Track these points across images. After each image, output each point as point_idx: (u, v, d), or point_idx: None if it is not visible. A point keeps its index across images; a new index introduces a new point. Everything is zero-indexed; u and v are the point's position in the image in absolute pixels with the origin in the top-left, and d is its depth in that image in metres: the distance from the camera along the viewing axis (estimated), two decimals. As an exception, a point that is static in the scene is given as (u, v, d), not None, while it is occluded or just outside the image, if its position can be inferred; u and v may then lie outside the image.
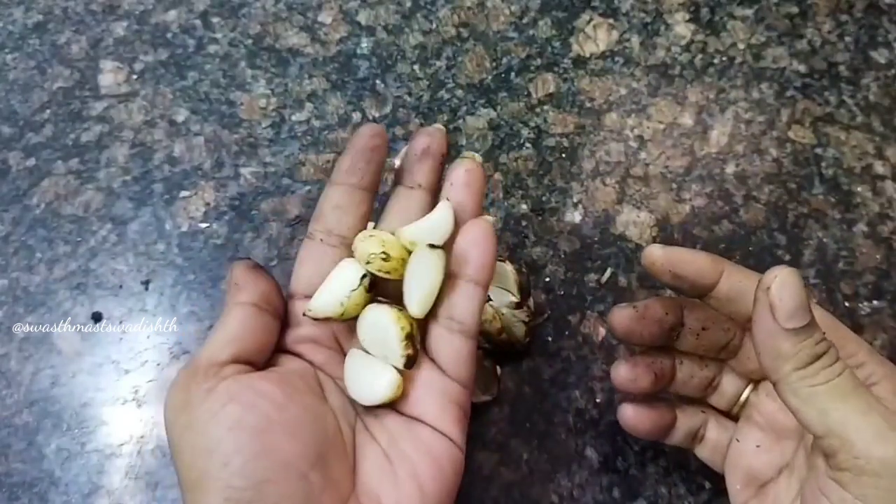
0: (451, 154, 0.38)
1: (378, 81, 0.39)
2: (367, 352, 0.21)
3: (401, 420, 0.21)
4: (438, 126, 0.23)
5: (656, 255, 0.23)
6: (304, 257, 0.22)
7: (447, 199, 0.21)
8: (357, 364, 0.21)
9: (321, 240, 0.22)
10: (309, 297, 0.21)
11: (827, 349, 0.19)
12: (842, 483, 0.18)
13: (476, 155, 0.22)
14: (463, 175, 0.21)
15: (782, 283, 0.18)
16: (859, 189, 0.36)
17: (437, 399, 0.21)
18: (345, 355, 0.22)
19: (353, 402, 0.21)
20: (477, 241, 0.21)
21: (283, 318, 0.21)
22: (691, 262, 0.23)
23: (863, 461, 0.17)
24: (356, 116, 0.39)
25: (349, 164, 0.22)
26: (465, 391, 0.21)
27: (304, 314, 0.21)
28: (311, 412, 0.19)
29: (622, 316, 0.24)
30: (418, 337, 0.21)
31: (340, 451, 0.19)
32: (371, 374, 0.20)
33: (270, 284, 0.20)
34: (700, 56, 0.39)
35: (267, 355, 0.20)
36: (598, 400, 0.31)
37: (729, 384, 0.25)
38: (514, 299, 0.30)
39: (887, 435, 0.17)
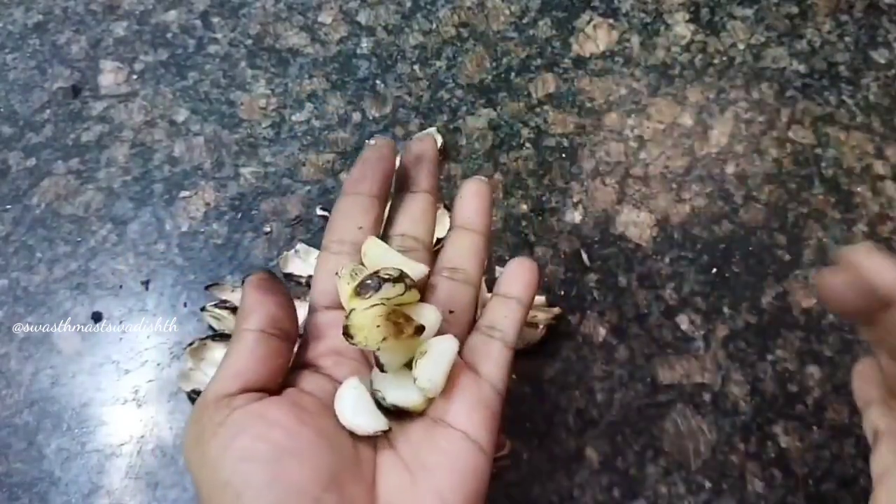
0: (451, 154, 0.38)
1: (378, 81, 0.39)
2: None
3: (424, 427, 0.20)
4: (429, 131, 0.24)
5: (854, 260, 0.19)
6: (320, 269, 0.22)
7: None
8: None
9: (336, 252, 0.22)
10: (330, 308, 0.21)
11: None
12: None
13: (483, 178, 0.24)
14: (471, 190, 0.23)
15: None
16: (859, 189, 0.36)
17: (469, 403, 0.20)
18: (371, 367, 0.21)
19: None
20: (525, 270, 0.23)
21: (294, 337, 0.21)
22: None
23: None
24: (356, 116, 0.39)
25: (358, 173, 0.23)
26: (498, 397, 0.21)
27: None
28: (324, 435, 0.19)
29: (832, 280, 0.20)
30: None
31: (356, 470, 0.19)
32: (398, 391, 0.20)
33: (279, 304, 0.20)
34: (700, 56, 0.39)
35: (279, 379, 0.20)
36: (598, 400, 0.31)
37: None
38: (543, 297, 0.31)
39: None
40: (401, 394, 0.20)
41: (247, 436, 0.18)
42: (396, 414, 0.20)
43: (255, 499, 0.17)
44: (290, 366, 0.21)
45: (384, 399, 0.20)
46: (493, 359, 0.21)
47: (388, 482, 0.19)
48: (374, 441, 0.20)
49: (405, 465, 0.20)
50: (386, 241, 0.22)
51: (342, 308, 0.21)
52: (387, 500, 0.19)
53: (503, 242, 0.35)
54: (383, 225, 0.23)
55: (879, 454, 0.22)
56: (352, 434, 0.20)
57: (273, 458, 0.18)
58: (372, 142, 0.23)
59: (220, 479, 0.18)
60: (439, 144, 0.24)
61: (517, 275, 0.23)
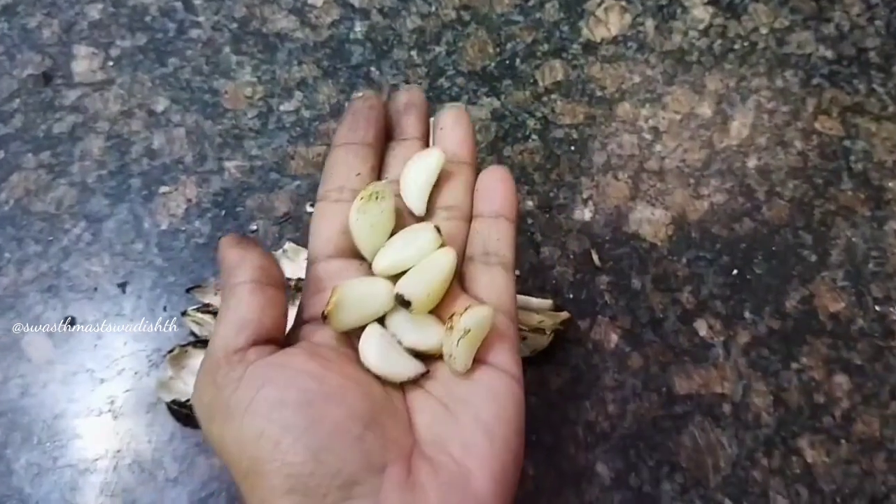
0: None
1: (373, 68, 0.38)
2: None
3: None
4: (413, 84, 0.26)
5: None
6: (318, 219, 0.23)
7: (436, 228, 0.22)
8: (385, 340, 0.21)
9: (335, 199, 0.22)
10: (332, 257, 0.22)
11: None
12: None
13: (459, 104, 0.25)
14: (451, 118, 0.24)
15: None
16: (891, 184, 0.35)
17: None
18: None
19: None
20: (497, 179, 0.23)
21: (284, 286, 0.21)
22: None
23: None
24: (349, 106, 0.38)
25: (350, 124, 0.23)
26: (510, 322, 0.22)
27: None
28: (351, 379, 0.19)
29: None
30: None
31: (391, 409, 0.20)
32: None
33: (263, 255, 0.21)
34: (719, 41, 0.39)
35: (282, 330, 0.20)
36: (609, 411, 0.31)
37: None
38: (550, 300, 0.31)
39: None
40: (418, 337, 0.21)
41: (273, 386, 0.18)
42: (417, 358, 0.21)
43: (294, 443, 0.17)
44: (295, 321, 0.21)
45: (400, 343, 0.21)
46: (497, 286, 0.22)
47: (426, 419, 0.20)
48: (401, 385, 0.21)
49: (440, 402, 0.20)
50: None
51: (344, 256, 0.22)
52: (428, 435, 0.19)
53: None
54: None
55: None
56: (378, 378, 0.20)
57: (306, 402, 0.18)
58: (358, 94, 0.24)
59: (251, 432, 0.18)
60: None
61: (493, 189, 0.23)
